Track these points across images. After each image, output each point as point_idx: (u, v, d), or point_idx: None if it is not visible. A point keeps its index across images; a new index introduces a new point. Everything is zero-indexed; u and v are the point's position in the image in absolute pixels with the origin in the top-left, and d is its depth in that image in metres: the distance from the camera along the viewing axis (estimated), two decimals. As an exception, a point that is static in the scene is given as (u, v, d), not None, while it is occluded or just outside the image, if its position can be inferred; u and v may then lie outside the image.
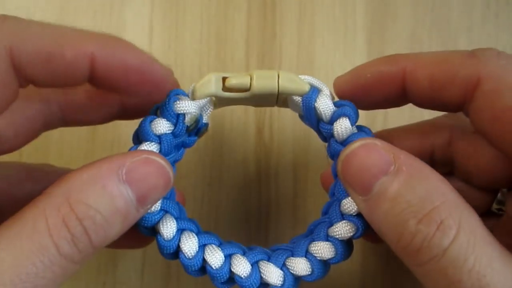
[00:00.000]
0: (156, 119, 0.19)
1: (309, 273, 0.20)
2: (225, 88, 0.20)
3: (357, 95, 0.20)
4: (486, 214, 0.21)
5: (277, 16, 0.29)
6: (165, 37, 0.29)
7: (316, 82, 0.20)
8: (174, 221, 0.20)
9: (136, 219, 0.17)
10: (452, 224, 0.15)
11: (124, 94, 0.18)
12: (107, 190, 0.16)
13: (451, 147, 0.21)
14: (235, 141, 0.29)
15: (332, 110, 0.20)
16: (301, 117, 0.22)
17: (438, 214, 0.15)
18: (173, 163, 0.21)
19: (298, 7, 0.29)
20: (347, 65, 0.29)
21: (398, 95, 0.19)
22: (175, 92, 0.20)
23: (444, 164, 0.21)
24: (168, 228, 0.19)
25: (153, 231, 0.20)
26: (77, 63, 0.16)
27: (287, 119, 0.29)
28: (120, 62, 0.17)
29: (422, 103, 0.19)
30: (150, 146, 0.19)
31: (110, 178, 0.16)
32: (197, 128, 0.21)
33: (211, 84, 0.20)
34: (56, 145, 0.27)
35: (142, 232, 0.20)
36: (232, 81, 0.20)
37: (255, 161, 0.29)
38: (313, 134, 0.23)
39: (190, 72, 0.29)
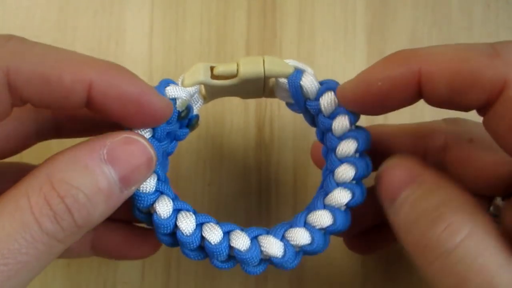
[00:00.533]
0: None
1: (309, 242, 0.20)
2: (213, 77, 0.20)
3: (368, 105, 0.19)
4: None
5: (277, 16, 0.29)
6: (165, 37, 0.29)
7: (299, 64, 0.21)
8: (170, 201, 0.20)
9: (121, 201, 0.17)
10: (461, 227, 0.15)
11: (120, 122, 0.18)
12: (89, 169, 0.16)
13: (445, 153, 0.21)
14: (235, 141, 0.29)
15: (317, 86, 0.20)
16: (289, 104, 0.22)
17: (448, 217, 0.16)
18: (166, 155, 0.21)
19: (298, 7, 0.29)
20: (347, 65, 0.29)
21: (414, 99, 0.18)
22: (166, 80, 0.20)
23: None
24: (165, 207, 0.19)
25: (149, 216, 0.20)
26: (74, 89, 0.16)
27: (287, 119, 0.29)
28: (118, 91, 0.17)
29: (439, 105, 0.18)
30: (143, 131, 0.19)
31: (92, 158, 0.16)
32: (187, 119, 0.21)
33: (200, 72, 0.20)
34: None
35: (137, 217, 0.20)
36: (220, 69, 0.20)
37: (255, 161, 0.29)
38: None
39: (190, 72, 0.29)
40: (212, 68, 0.21)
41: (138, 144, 0.17)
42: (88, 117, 0.20)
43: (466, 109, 0.17)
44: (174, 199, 0.20)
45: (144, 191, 0.19)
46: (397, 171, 0.18)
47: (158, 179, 0.20)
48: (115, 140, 0.17)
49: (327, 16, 0.29)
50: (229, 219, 0.28)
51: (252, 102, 0.29)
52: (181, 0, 0.29)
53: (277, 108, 0.29)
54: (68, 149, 0.17)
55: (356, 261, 0.28)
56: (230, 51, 0.29)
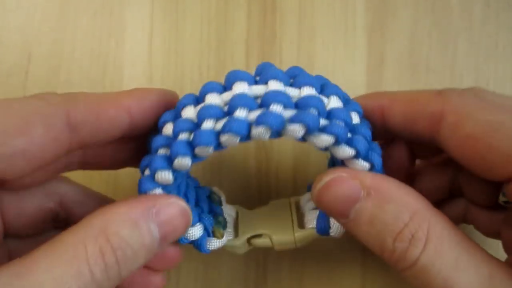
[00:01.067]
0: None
1: None
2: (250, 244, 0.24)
3: None
4: (496, 207, 0.22)
5: (277, 16, 0.29)
6: (165, 37, 0.29)
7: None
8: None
9: (155, 254, 0.19)
10: (421, 236, 0.17)
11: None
12: (138, 227, 0.18)
13: (457, 173, 0.22)
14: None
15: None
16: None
17: (409, 230, 0.18)
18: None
19: (298, 7, 0.29)
20: (347, 65, 0.29)
21: (380, 127, 0.21)
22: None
23: (455, 189, 0.23)
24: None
25: None
26: (119, 116, 0.20)
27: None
28: (151, 106, 0.20)
29: (401, 136, 0.21)
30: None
31: (142, 216, 0.18)
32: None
33: (239, 249, 0.24)
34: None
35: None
36: (257, 242, 0.24)
37: (255, 161, 0.29)
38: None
39: (190, 72, 0.29)
40: (249, 240, 0.23)
41: (182, 210, 0.20)
42: (109, 154, 0.23)
43: (421, 138, 0.20)
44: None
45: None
46: (340, 185, 0.19)
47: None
48: (164, 203, 0.19)
49: (327, 16, 0.29)
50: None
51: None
52: (181, 0, 0.29)
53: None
54: (122, 203, 0.18)
55: (356, 260, 0.28)
56: (230, 51, 0.29)
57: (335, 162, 0.21)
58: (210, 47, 0.29)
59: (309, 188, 0.25)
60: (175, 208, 0.19)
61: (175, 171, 0.19)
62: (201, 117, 0.18)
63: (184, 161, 0.18)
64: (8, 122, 0.18)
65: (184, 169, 0.19)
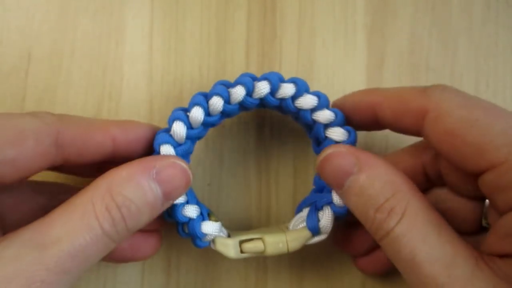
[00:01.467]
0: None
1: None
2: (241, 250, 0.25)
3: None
4: (476, 196, 0.23)
5: (277, 16, 0.29)
6: (165, 37, 0.29)
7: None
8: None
9: (160, 212, 0.22)
10: (398, 211, 0.20)
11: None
12: (140, 186, 0.20)
13: (437, 163, 0.24)
14: (235, 141, 0.29)
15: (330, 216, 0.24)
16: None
17: (389, 204, 0.20)
18: (187, 155, 0.25)
19: (298, 7, 0.29)
20: (347, 65, 0.29)
21: (372, 121, 0.24)
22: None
23: (437, 178, 0.24)
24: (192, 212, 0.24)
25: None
26: (104, 142, 0.22)
27: (287, 119, 0.29)
28: (136, 139, 0.23)
29: (392, 128, 0.23)
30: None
31: (143, 177, 0.20)
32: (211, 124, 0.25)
33: (230, 250, 0.24)
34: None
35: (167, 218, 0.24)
36: (248, 246, 0.24)
37: (255, 161, 0.29)
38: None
39: (190, 72, 0.29)
40: (240, 244, 0.24)
41: (181, 168, 0.22)
42: (89, 169, 0.25)
43: (409, 132, 0.23)
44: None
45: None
46: (338, 159, 0.22)
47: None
48: (163, 163, 0.21)
49: (327, 16, 0.29)
50: (228, 219, 0.28)
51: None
52: (181, 0, 0.29)
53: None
54: (124, 166, 0.21)
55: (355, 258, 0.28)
56: (230, 51, 0.29)
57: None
58: (210, 47, 0.29)
59: (297, 212, 0.26)
60: (175, 167, 0.21)
61: (189, 127, 0.23)
62: (212, 91, 0.24)
63: (198, 112, 0.23)
64: (3, 134, 0.20)
65: (197, 123, 0.23)
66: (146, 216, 0.21)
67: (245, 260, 0.28)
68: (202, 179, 0.28)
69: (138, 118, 0.28)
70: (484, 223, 0.23)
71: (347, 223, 0.26)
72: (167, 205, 0.22)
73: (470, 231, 0.24)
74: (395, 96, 0.23)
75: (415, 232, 0.19)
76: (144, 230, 0.25)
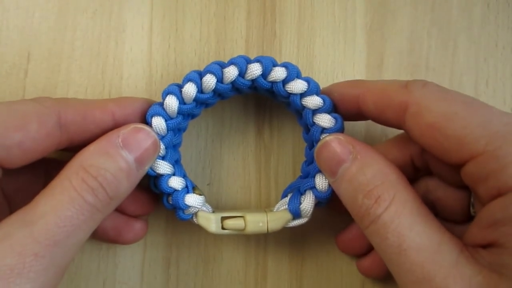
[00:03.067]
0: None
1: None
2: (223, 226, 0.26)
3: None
4: (461, 186, 0.23)
5: (277, 16, 0.29)
6: (165, 37, 0.29)
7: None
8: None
9: (139, 178, 0.23)
10: (386, 198, 0.20)
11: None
12: (110, 155, 0.21)
13: (424, 154, 0.24)
14: (235, 141, 0.29)
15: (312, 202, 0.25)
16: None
17: (377, 191, 0.21)
18: (173, 146, 0.26)
19: (297, 7, 0.29)
20: (347, 65, 0.29)
21: (356, 113, 0.24)
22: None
23: (424, 169, 0.24)
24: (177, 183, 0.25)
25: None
26: (103, 118, 0.23)
27: (287, 119, 0.29)
28: (133, 113, 0.24)
29: (375, 120, 0.24)
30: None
31: (110, 145, 0.22)
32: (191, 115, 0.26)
33: (212, 225, 0.25)
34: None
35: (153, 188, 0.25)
36: (229, 223, 0.25)
37: (255, 161, 0.29)
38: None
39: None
40: (222, 220, 0.25)
41: (144, 131, 0.23)
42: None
43: (392, 124, 0.23)
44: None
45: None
46: (335, 146, 0.22)
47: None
48: (126, 131, 0.22)
49: (326, 16, 0.29)
50: (228, 219, 0.28)
51: (252, 103, 0.29)
52: (181, 0, 0.29)
53: (277, 109, 0.29)
54: (92, 143, 0.22)
55: (356, 260, 0.28)
56: (230, 50, 0.29)
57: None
58: (210, 46, 0.29)
59: (282, 196, 0.27)
60: (138, 131, 0.23)
61: (182, 102, 0.24)
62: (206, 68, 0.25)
63: (191, 88, 0.24)
64: (8, 119, 0.21)
65: (190, 98, 0.24)
66: (124, 183, 0.21)
67: (245, 260, 0.28)
68: (202, 179, 0.28)
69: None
70: (472, 212, 0.23)
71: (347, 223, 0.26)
72: (142, 171, 0.23)
73: (460, 220, 0.24)
74: (378, 90, 0.23)
75: (402, 219, 0.20)
76: (130, 215, 0.26)
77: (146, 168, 0.23)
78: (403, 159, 0.24)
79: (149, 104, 0.25)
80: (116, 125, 0.23)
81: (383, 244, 0.20)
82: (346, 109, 0.25)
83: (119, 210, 0.26)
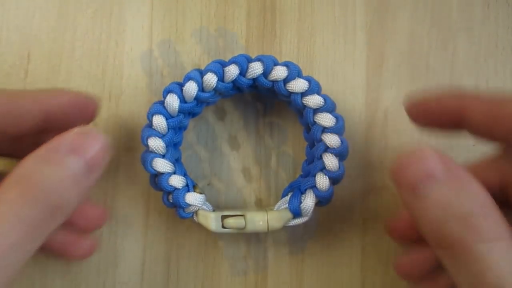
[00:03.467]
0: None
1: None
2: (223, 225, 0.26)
3: (421, 115, 0.23)
4: None
5: (277, 16, 0.29)
6: (165, 37, 0.29)
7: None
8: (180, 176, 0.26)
9: (90, 183, 0.21)
10: (487, 230, 0.18)
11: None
12: (53, 162, 0.19)
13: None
14: (234, 141, 0.29)
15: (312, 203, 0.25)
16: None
17: (478, 221, 0.18)
18: (174, 144, 0.26)
19: (298, 7, 0.29)
20: (347, 65, 0.29)
21: (454, 124, 0.21)
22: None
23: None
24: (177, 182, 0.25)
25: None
26: (30, 110, 0.22)
27: (287, 118, 0.29)
28: (62, 104, 0.22)
29: (477, 133, 0.21)
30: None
31: (55, 153, 0.20)
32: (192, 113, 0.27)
33: (212, 223, 0.25)
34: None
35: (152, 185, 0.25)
36: (230, 221, 0.25)
37: (255, 161, 0.29)
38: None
39: (190, 72, 0.29)
40: (222, 219, 0.25)
41: (91, 134, 0.21)
42: (25, 147, 0.24)
43: (498, 138, 0.20)
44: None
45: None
46: (430, 161, 0.19)
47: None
48: (71, 135, 0.20)
49: (326, 16, 0.29)
50: (229, 219, 0.28)
51: (252, 102, 0.29)
52: (181, 0, 0.29)
53: (277, 109, 0.29)
54: (35, 151, 0.20)
55: (356, 261, 0.28)
56: (229, 50, 0.29)
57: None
58: (210, 46, 0.29)
59: (283, 196, 0.27)
60: (85, 135, 0.21)
61: (183, 101, 0.24)
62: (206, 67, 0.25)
63: (192, 86, 0.24)
64: None
65: (190, 97, 0.24)
66: (71, 191, 0.19)
67: (245, 259, 0.28)
68: (202, 179, 0.28)
69: (138, 118, 0.28)
70: None
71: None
72: (93, 177, 0.21)
73: None
74: (489, 99, 0.20)
75: (507, 258, 0.17)
76: (78, 232, 0.25)
77: (97, 174, 0.21)
78: (492, 184, 0.22)
79: (81, 97, 0.23)
80: (48, 118, 0.22)
81: (478, 280, 0.17)
82: (443, 119, 0.22)
83: (68, 224, 0.24)
